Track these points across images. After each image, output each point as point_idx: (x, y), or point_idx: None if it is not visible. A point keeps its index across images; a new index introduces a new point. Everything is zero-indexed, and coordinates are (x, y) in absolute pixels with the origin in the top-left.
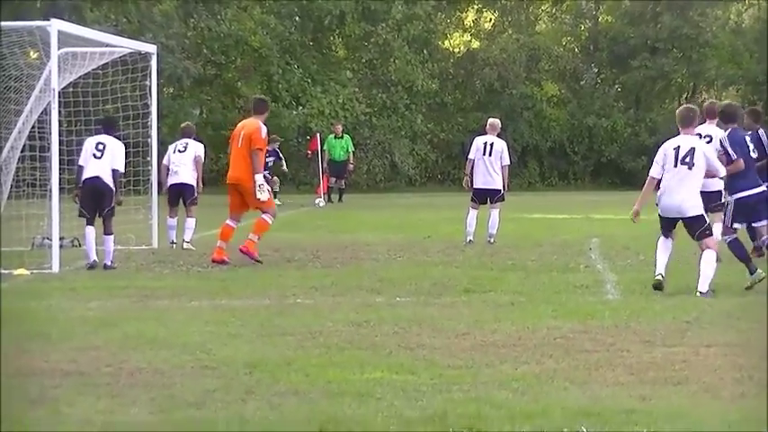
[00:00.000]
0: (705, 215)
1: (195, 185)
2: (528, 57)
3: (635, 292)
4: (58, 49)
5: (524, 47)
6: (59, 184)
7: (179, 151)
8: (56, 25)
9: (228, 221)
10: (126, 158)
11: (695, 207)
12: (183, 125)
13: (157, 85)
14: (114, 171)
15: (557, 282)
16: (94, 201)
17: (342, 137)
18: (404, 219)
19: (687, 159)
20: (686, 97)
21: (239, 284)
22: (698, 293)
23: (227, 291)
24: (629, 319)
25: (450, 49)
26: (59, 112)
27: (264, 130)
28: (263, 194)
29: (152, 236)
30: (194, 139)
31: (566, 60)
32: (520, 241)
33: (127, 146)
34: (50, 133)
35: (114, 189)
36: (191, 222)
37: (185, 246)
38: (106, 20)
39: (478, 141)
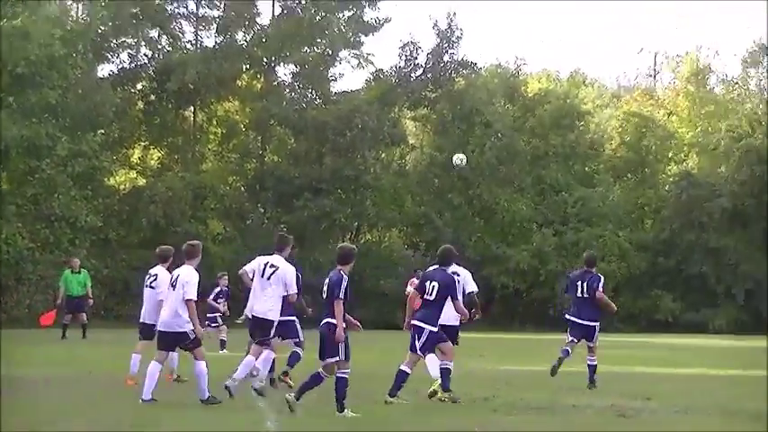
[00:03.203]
0: None
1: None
2: (194, 194)
3: (295, 428)
4: None
5: (190, 185)
6: None
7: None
8: None
9: None
10: None
11: None
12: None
13: None
14: None
15: (218, 419)
16: None
17: (79, 272)
18: (68, 354)
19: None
20: (350, 237)
21: None
22: None
23: None
24: None
25: (116, 186)
26: None
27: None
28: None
29: None
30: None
31: (231, 198)
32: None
33: None
34: None
35: None
36: None
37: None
38: None
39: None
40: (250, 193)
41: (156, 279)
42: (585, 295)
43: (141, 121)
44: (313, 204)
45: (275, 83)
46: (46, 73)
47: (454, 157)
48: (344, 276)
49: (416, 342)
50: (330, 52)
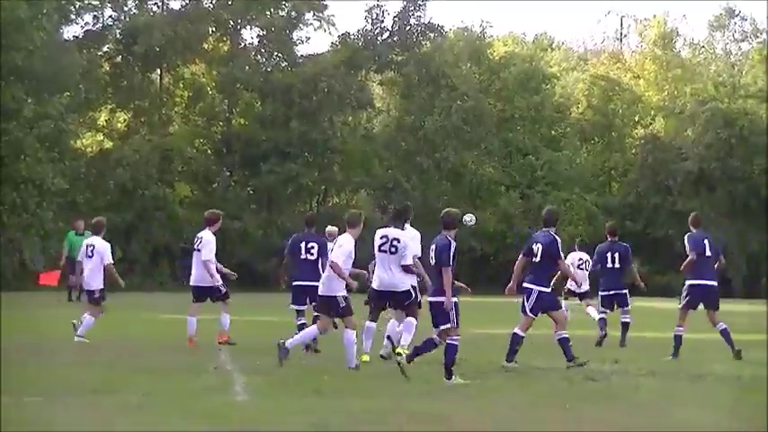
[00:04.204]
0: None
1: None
2: (161, 158)
3: (264, 394)
4: None
5: (157, 148)
6: None
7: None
8: None
9: None
10: None
11: None
12: (94, 220)
13: None
14: None
15: (186, 383)
16: None
17: (83, 233)
18: (31, 318)
19: None
20: (318, 201)
21: None
22: None
23: None
24: (257, 421)
25: (83, 149)
26: None
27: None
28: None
29: None
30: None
31: (198, 162)
32: (150, 342)
33: None
34: None
35: None
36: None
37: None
38: None
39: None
40: (217, 156)
41: (201, 241)
42: (617, 265)
43: (107, 84)
44: (280, 168)
45: (241, 46)
46: (10, 35)
47: (465, 217)
48: (452, 242)
49: (526, 303)
50: (294, 15)
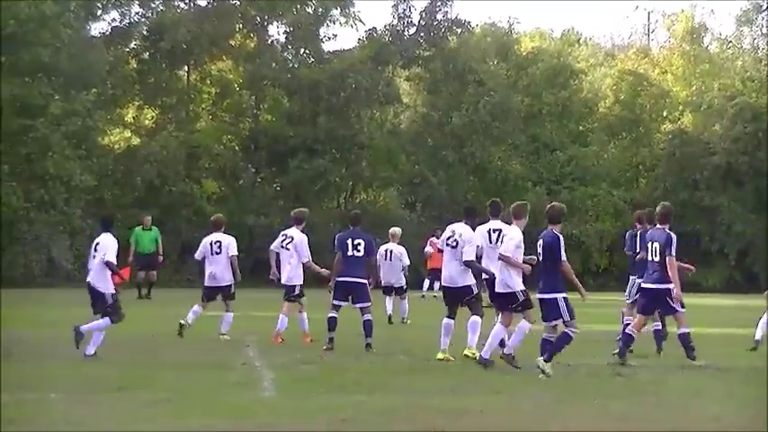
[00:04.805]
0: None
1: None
2: (188, 154)
3: (290, 390)
4: None
5: (184, 144)
6: None
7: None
8: None
9: None
10: None
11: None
12: (213, 218)
13: None
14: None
15: (213, 379)
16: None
17: (150, 228)
18: (59, 315)
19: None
20: (345, 197)
21: None
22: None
23: None
24: (284, 417)
25: (110, 146)
26: None
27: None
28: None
29: None
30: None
31: (226, 158)
32: (176, 338)
33: None
34: None
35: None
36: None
37: (222, 338)
38: None
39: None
40: (244, 152)
41: (291, 241)
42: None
43: (135, 81)
44: (307, 164)
45: (268, 42)
46: (37, 31)
47: None
48: (560, 236)
49: (673, 303)
50: (321, 11)
